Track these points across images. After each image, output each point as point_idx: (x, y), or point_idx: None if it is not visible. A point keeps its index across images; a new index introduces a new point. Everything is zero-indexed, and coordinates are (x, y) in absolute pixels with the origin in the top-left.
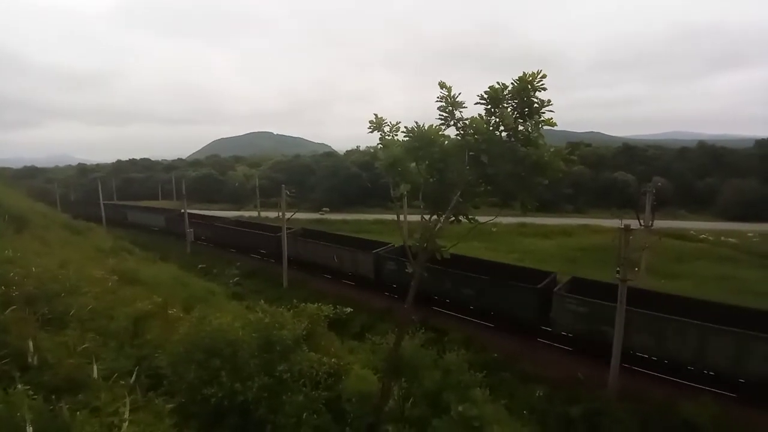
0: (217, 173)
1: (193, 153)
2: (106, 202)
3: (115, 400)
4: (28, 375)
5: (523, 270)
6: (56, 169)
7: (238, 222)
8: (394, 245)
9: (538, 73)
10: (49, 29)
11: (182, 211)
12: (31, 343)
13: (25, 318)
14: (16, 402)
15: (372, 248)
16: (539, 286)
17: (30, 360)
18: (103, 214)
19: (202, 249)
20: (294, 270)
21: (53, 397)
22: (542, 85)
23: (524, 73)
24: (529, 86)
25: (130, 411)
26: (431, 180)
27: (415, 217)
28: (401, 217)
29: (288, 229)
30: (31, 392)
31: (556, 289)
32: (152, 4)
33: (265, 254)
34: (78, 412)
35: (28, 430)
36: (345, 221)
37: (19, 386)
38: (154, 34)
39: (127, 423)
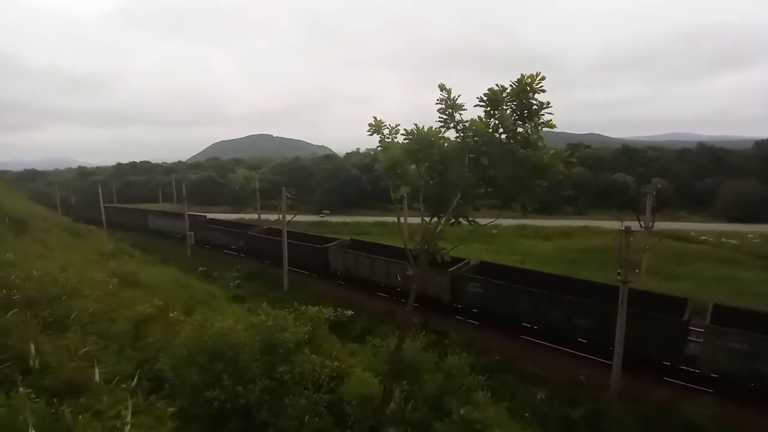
0: (217, 176)
1: (194, 155)
2: (124, 206)
3: (117, 403)
4: (29, 378)
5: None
6: (56, 172)
7: (272, 231)
8: (469, 261)
9: (537, 75)
10: (48, 31)
11: (207, 216)
12: (32, 347)
13: (26, 321)
14: (18, 405)
15: (447, 266)
16: (685, 318)
17: (31, 363)
18: (103, 216)
19: (201, 251)
20: (339, 287)
21: (55, 400)
22: (541, 87)
23: (522, 75)
24: (528, 88)
25: (132, 414)
26: (431, 182)
27: (415, 220)
28: (402, 220)
29: (331, 239)
30: (33, 396)
31: (707, 322)
32: (151, 5)
33: (308, 269)
34: (80, 416)
35: None
36: (345, 224)
37: (21, 389)
38: (153, 36)
39: (129, 426)
